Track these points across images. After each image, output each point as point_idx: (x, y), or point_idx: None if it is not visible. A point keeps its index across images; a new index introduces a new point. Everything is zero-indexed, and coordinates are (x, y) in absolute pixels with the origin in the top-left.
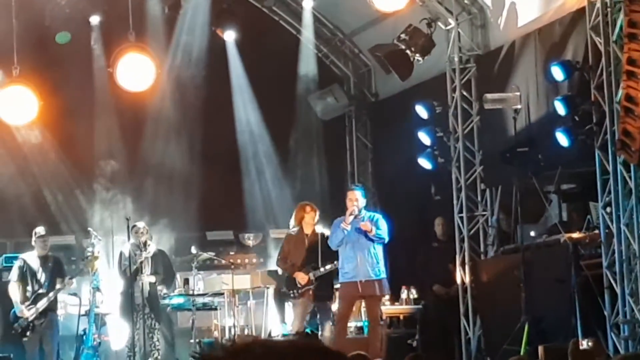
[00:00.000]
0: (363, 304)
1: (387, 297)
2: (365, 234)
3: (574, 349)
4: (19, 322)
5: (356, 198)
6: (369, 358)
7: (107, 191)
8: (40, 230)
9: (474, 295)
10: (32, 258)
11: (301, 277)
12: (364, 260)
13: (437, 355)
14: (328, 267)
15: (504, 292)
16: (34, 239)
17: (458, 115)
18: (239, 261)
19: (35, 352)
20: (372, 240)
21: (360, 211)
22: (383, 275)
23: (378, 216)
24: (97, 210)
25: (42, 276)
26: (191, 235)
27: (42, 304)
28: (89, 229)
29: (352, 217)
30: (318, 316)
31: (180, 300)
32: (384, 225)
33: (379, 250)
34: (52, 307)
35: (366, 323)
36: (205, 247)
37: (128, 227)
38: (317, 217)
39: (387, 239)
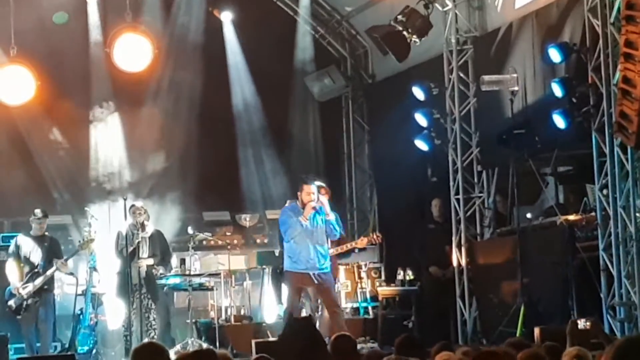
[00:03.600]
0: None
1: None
2: (319, 228)
3: (572, 328)
4: (14, 300)
5: (313, 192)
6: (354, 338)
7: (104, 171)
8: (37, 212)
9: (470, 277)
10: (28, 238)
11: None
12: (316, 253)
13: (433, 336)
14: (332, 250)
15: (500, 274)
16: (31, 219)
17: (455, 96)
18: (235, 242)
19: (31, 331)
20: (326, 234)
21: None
22: (329, 269)
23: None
24: (94, 190)
25: (38, 256)
26: (188, 215)
27: (37, 283)
28: (86, 208)
29: (312, 212)
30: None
31: (177, 280)
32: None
33: (327, 245)
34: (47, 286)
35: (362, 304)
36: (202, 228)
37: (125, 207)
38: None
39: (339, 232)
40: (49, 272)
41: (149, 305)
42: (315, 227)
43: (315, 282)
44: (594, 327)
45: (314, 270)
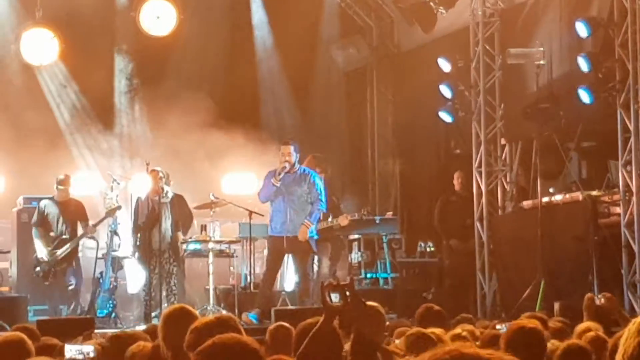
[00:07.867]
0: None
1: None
2: (296, 190)
3: (589, 304)
4: (41, 267)
5: (288, 153)
6: (382, 312)
7: (127, 135)
8: (60, 176)
9: (491, 250)
10: (52, 203)
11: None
12: (293, 216)
13: (452, 309)
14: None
15: (521, 248)
16: (55, 184)
17: (480, 69)
18: (256, 209)
19: (57, 296)
20: (305, 198)
21: (294, 166)
22: (312, 234)
23: (311, 177)
24: (116, 153)
25: (63, 221)
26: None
27: (64, 250)
28: (108, 172)
29: (282, 174)
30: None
31: (197, 246)
32: (317, 188)
33: (309, 208)
34: (74, 252)
35: (381, 275)
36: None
37: (147, 171)
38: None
39: (324, 208)
40: (74, 240)
41: (171, 271)
42: (292, 190)
43: (286, 245)
44: (610, 303)
45: (289, 233)
